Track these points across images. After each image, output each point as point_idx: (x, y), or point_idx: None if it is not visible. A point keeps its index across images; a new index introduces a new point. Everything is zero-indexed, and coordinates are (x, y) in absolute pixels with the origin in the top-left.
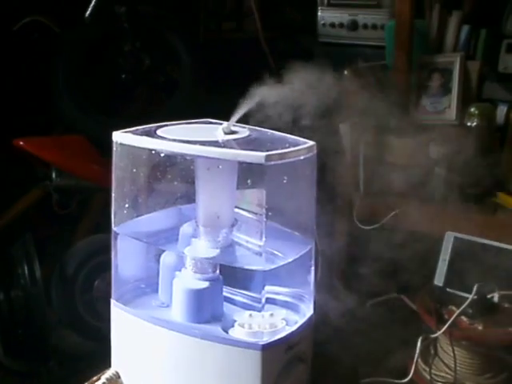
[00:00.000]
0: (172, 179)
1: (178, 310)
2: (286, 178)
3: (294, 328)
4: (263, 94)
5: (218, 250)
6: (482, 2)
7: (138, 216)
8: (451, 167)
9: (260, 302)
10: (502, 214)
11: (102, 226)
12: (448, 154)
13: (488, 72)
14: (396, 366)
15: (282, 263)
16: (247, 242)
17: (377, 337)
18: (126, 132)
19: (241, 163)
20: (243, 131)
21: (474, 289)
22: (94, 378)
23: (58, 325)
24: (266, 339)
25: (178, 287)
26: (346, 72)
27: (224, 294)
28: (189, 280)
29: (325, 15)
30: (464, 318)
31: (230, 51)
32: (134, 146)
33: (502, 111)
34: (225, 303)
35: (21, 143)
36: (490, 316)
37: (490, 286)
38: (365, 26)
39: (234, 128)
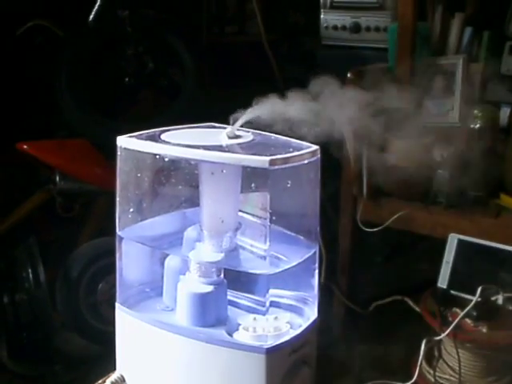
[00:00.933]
0: (176, 183)
1: (182, 314)
2: (289, 181)
3: (299, 331)
4: (268, 107)
5: (222, 254)
6: (484, 4)
7: (142, 220)
8: (454, 169)
9: (264, 306)
10: (506, 215)
11: (106, 229)
12: (451, 156)
13: (491, 74)
14: (400, 369)
15: (286, 267)
16: (251, 245)
17: (380, 339)
18: (130, 137)
19: (245, 167)
20: (247, 135)
21: (478, 291)
22: (99, 382)
23: (63, 328)
24: (271, 342)
25: (182, 291)
26: (348, 74)
27: (228, 297)
28: (193, 284)
29: (327, 18)
30: (468, 321)
31: (233, 54)
32: (139, 151)
33: (505, 113)
34: (229, 307)
35: (25, 147)
36: (494, 318)
37: (493, 288)
38: (367, 29)
39: (237, 132)
